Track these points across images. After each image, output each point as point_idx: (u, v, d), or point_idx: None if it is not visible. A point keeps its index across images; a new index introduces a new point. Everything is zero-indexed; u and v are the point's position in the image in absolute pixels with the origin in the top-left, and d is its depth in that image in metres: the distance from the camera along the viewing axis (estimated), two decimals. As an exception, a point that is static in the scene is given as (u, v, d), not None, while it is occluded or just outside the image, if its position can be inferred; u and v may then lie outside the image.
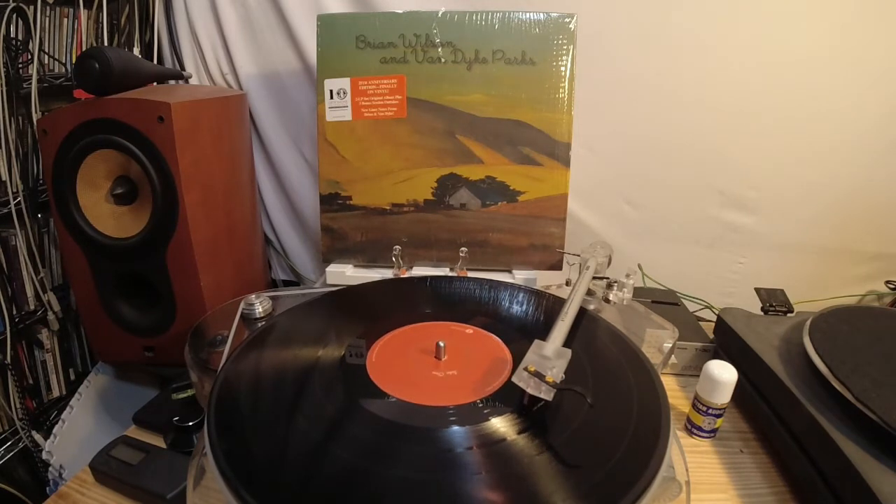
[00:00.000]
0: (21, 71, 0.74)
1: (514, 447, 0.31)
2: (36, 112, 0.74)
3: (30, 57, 0.74)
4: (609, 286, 0.52)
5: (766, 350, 0.48)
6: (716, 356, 0.51)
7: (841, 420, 0.38)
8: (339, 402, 0.36)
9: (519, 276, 0.65)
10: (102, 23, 0.78)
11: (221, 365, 0.39)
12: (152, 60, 0.78)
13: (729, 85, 0.69)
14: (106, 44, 0.79)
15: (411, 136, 0.64)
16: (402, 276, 0.63)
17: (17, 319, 0.76)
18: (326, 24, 0.63)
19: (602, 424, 0.34)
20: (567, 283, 0.58)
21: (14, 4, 0.71)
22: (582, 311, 0.46)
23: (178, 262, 0.57)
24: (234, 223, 0.66)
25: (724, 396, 0.46)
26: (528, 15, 0.61)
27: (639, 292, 0.67)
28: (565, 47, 0.61)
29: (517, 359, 0.36)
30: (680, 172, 0.75)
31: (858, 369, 0.40)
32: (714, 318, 0.58)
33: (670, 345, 0.47)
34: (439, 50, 0.62)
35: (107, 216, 0.57)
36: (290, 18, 0.73)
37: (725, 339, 0.54)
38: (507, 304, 0.51)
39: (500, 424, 0.33)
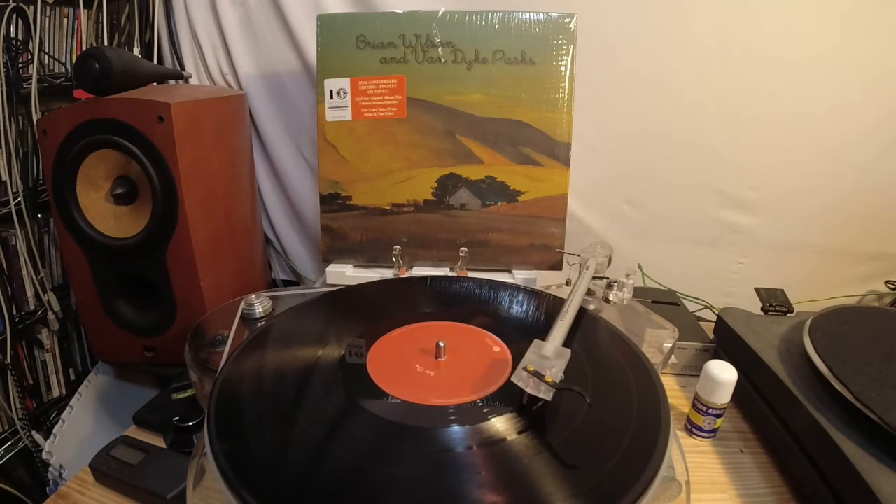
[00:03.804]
0: (21, 71, 0.74)
1: (514, 447, 0.31)
2: (36, 112, 0.74)
3: (30, 57, 0.74)
4: (609, 286, 0.52)
5: (766, 350, 0.48)
6: (716, 356, 0.51)
7: (841, 420, 0.38)
8: (339, 402, 0.36)
9: (519, 276, 0.65)
10: (102, 23, 0.78)
11: (221, 365, 0.39)
12: (152, 60, 0.78)
13: (729, 85, 0.69)
14: (106, 44, 0.79)
15: (411, 136, 0.64)
16: (402, 276, 0.63)
17: (17, 319, 0.76)
18: (326, 24, 0.63)
19: (602, 424, 0.33)
20: (567, 283, 0.58)
21: (14, 4, 0.71)
22: (582, 311, 0.46)
23: (178, 262, 0.57)
24: (234, 223, 0.66)
25: (724, 396, 0.46)
26: (528, 15, 0.61)
27: (639, 292, 0.67)
28: (565, 47, 0.61)
29: (517, 359, 0.36)
30: (680, 172, 0.75)
31: (858, 369, 0.40)
32: (714, 318, 0.58)
33: (670, 345, 0.47)
34: (439, 50, 0.62)
35: (107, 216, 0.57)
36: (290, 18, 0.73)
37: (725, 339, 0.54)
38: (507, 304, 0.51)
39: (500, 424, 0.33)
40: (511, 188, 0.64)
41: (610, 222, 0.78)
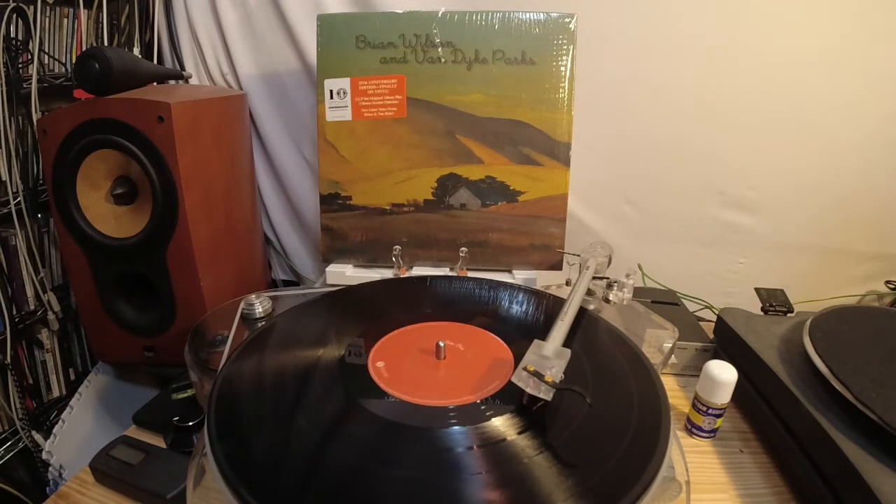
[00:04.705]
0: (21, 71, 0.74)
1: (514, 447, 0.31)
2: (36, 112, 0.74)
3: (30, 57, 0.74)
4: (609, 286, 0.52)
5: (766, 350, 0.48)
6: (716, 356, 0.51)
7: (841, 420, 0.38)
8: (339, 402, 0.36)
9: (519, 276, 0.65)
10: (102, 23, 0.78)
11: (221, 365, 0.39)
12: (152, 60, 0.78)
13: (729, 85, 0.69)
14: (106, 44, 0.79)
15: (411, 136, 0.64)
16: (402, 276, 0.63)
17: (17, 319, 0.76)
18: (326, 24, 0.63)
19: (602, 424, 0.33)
20: (567, 283, 0.58)
21: (14, 4, 0.71)
22: (582, 311, 0.46)
23: (178, 262, 0.57)
24: (234, 223, 0.66)
25: (724, 396, 0.46)
26: (528, 15, 0.61)
27: (639, 292, 0.67)
28: (565, 47, 0.61)
29: (517, 359, 0.36)
30: (680, 172, 0.75)
31: (858, 369, 0.40)
32: (714, 318, 0.58)
33: (670, 345, 0.47)
34: (439, 50, 0.62)
35: (107, 216, 0.57)
36: (290, 18, 0.73)
37: (725, 339, 0.54)
38: (507, 304, 0.51)
39: (500, 424, 0.33)
40: (511, 188, 0.64)
41: (610, 222, 0.78)
